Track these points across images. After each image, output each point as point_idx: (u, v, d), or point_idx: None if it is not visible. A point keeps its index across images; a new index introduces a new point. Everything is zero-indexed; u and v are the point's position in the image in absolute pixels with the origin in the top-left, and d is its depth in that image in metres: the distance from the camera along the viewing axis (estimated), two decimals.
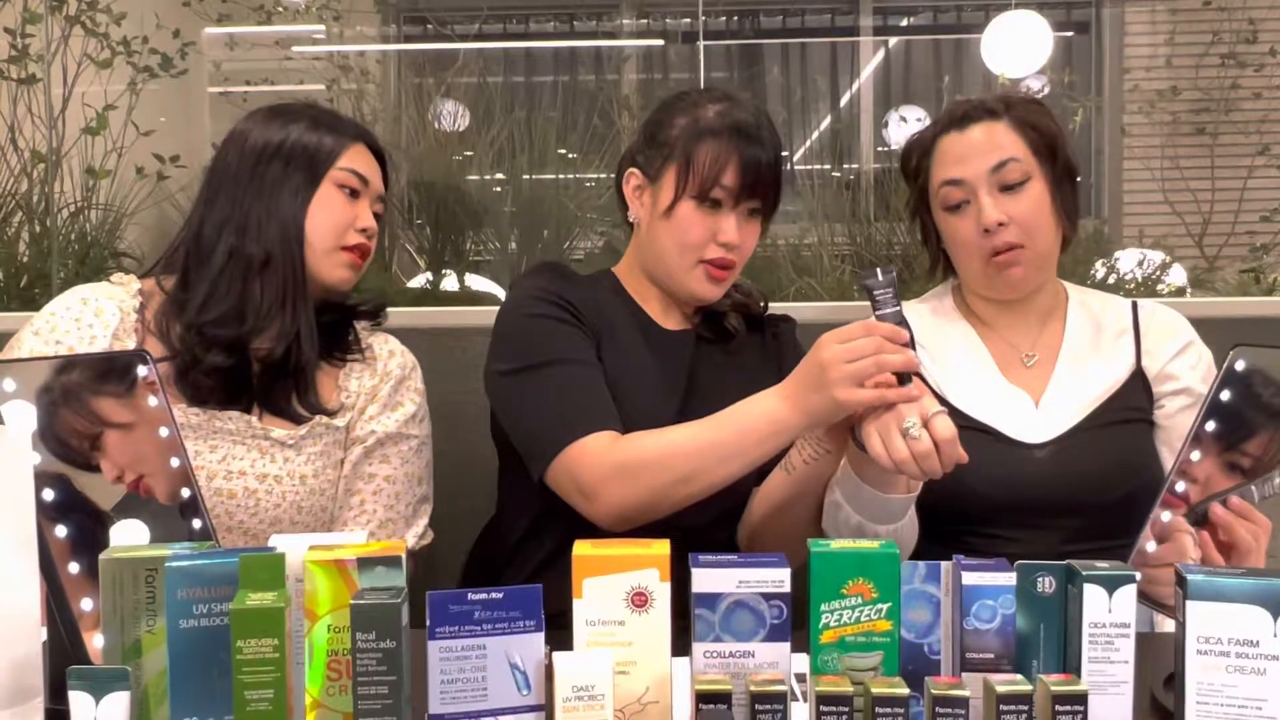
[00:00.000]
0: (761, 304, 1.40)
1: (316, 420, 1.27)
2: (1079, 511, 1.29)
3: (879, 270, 1.08)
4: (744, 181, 1.23)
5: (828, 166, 3.94)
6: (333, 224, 1.28)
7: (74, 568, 0.97)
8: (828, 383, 1.07)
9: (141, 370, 1.03)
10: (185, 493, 1.04)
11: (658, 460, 1.14)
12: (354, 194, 1.31)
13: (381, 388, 1.33)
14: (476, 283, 2.87)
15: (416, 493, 1.34)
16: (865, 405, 1.07)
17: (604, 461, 1.15)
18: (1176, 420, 1.34)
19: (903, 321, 1.09)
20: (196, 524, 1.04)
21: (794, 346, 1.36)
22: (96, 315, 1.26)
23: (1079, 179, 1.39)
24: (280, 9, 3.69)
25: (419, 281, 2.75)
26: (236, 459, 1.23)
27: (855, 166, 4.12)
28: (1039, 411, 1.33)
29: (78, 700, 0.83)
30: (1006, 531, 1.30)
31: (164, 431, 1.04)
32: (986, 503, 1.29)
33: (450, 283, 2.77)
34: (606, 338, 1.28)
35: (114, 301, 1.27)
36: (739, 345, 1.33)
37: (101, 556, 0.90)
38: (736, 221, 1.25)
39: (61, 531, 0.98)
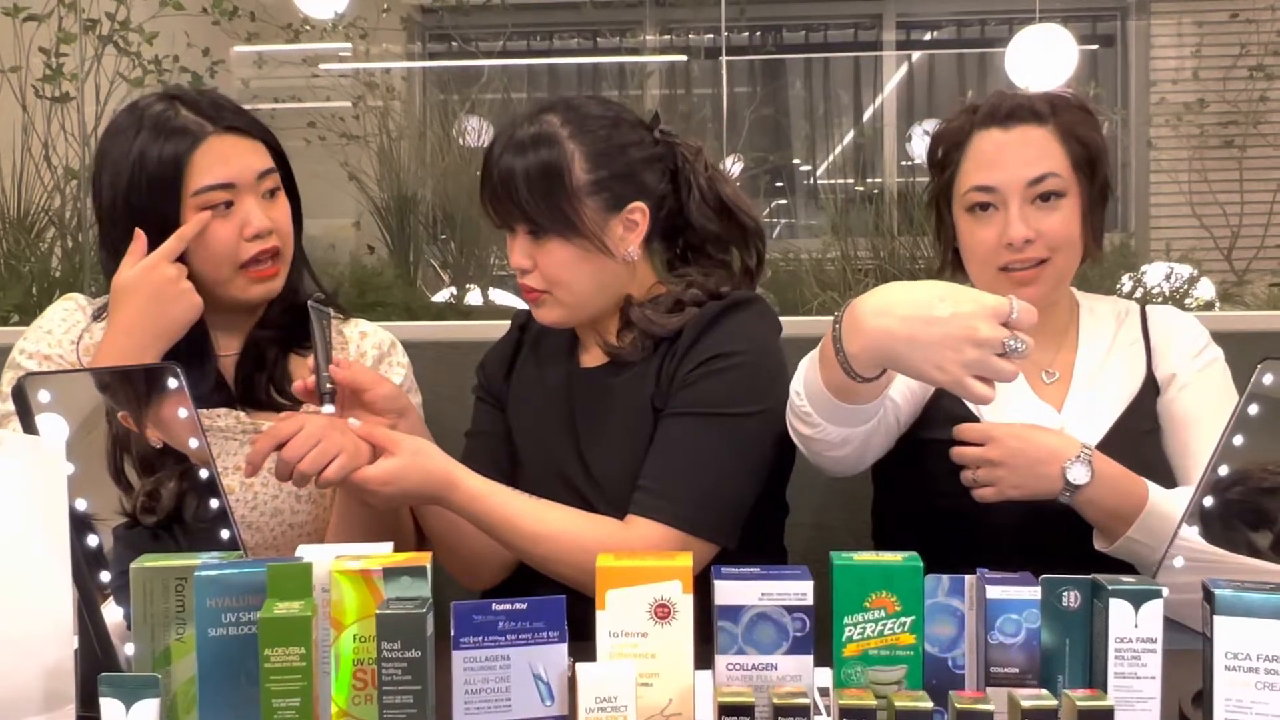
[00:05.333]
0: (680, 316, 1.27)
1: (305, 408, 1.28)
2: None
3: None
4: (488, 208, 1.25)
5: (851, 180, 3.93)
6: (214, 255, 1.22)
7: (104, 576, 0.99)
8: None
9: (171, 383, 1.05)
10: (214, 504, 1.06)
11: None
12: (227, 204, 1.23)
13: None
14: (500, 297, 2.91)
15: None
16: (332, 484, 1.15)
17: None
18: (1172, 408, 1.31)
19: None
20: (225, 534, 1.05)
21: (683, 356, 1.25)
22: (79, 310, 1.31)
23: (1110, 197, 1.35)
24: (308, 27, 3.75)
25: (443, 296, 2.79)
26: (230, 454, 1.25)
27: (879, 181, 4.10)
28: (1063, 428, 1.31)
29: (108, 707, 0.84)
30: (1025, 556, 1.27)
31: (194, 443, 1.06)
32: (1012, 520, 1.27)
33: (474, 297, 2.80)
34: (516, 391, 1.36)
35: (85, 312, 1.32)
36: (639, 370, 1.28)
37: (132, 565, 0.91)
38: (516, 245, 1.25)
39: (94, 540, 1.00)
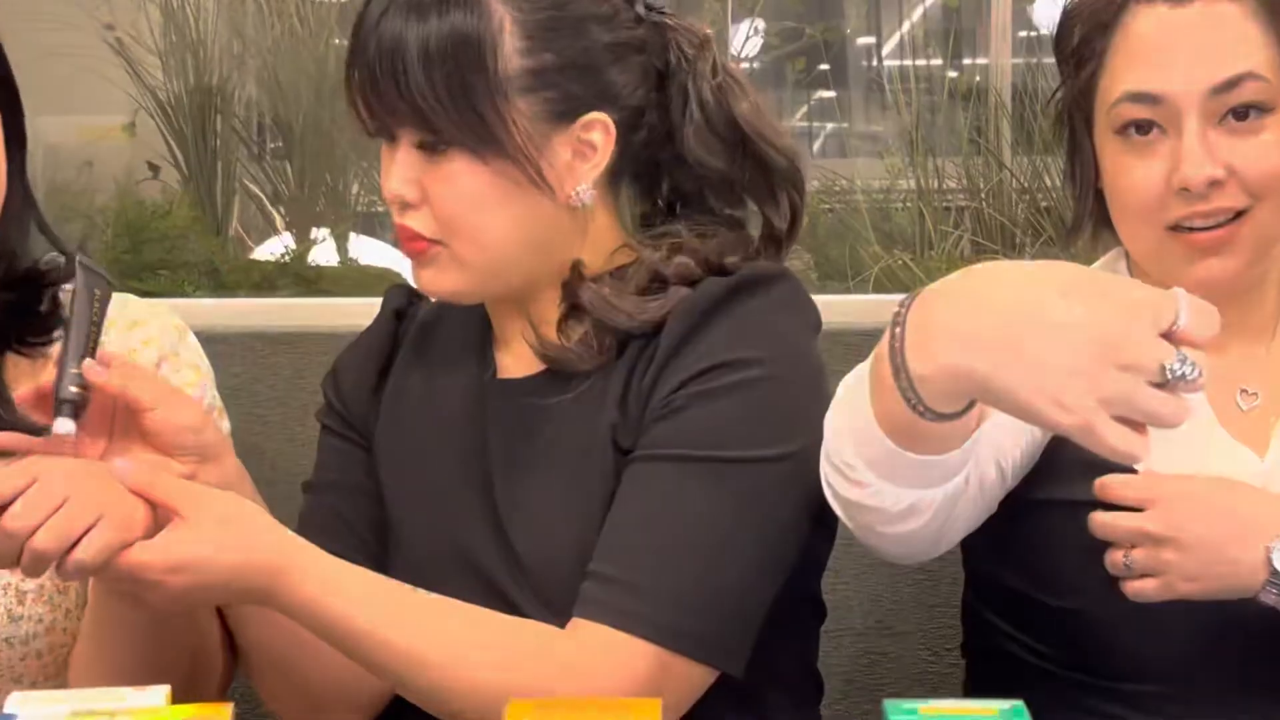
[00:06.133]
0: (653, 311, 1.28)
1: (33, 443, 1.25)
2: None
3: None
4: (358, 99, 1.26)
5: (936, 63, 3.93)
6: None
7: None
8: None
9: None
10: None
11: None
12: None
13: None
14: (367, 249, 2.93)
15: None
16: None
17: None
18: None
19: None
20: None
21: (666, 365, 1.25)
22: None
23: None
24: None
25: (273, 249, 2.82)
26: None
27: (981, 63, 4.11)
28: (1269, 482, 1.31)
29: None
30: (1213, 691, 1.28)
31: None
32: (1185, 632, 1.27)
33: (326, 252, 2.82)
34: (390, 419, 1.37)
35: None
36: (594, 386, 1.30)
37: None
38: (396, 162, 1.26)
39: None
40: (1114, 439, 0.94)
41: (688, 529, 1.21)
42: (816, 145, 4.42)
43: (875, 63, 4.62)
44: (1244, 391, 1.36)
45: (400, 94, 1.22)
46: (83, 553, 1.08)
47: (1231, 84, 1.28)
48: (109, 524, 1.09)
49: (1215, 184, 1.27)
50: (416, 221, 1.25)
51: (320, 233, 2.83)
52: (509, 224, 1.25)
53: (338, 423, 1.40)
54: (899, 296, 1.08)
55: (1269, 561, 1.17)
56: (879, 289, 2.44)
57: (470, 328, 1.36)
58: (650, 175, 1.35)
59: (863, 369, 1.12)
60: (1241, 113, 1.29)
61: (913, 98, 3.02)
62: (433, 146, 1.23)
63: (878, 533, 1.19)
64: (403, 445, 1.36)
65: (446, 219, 1.24)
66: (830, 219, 2.73)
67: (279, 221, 2.88)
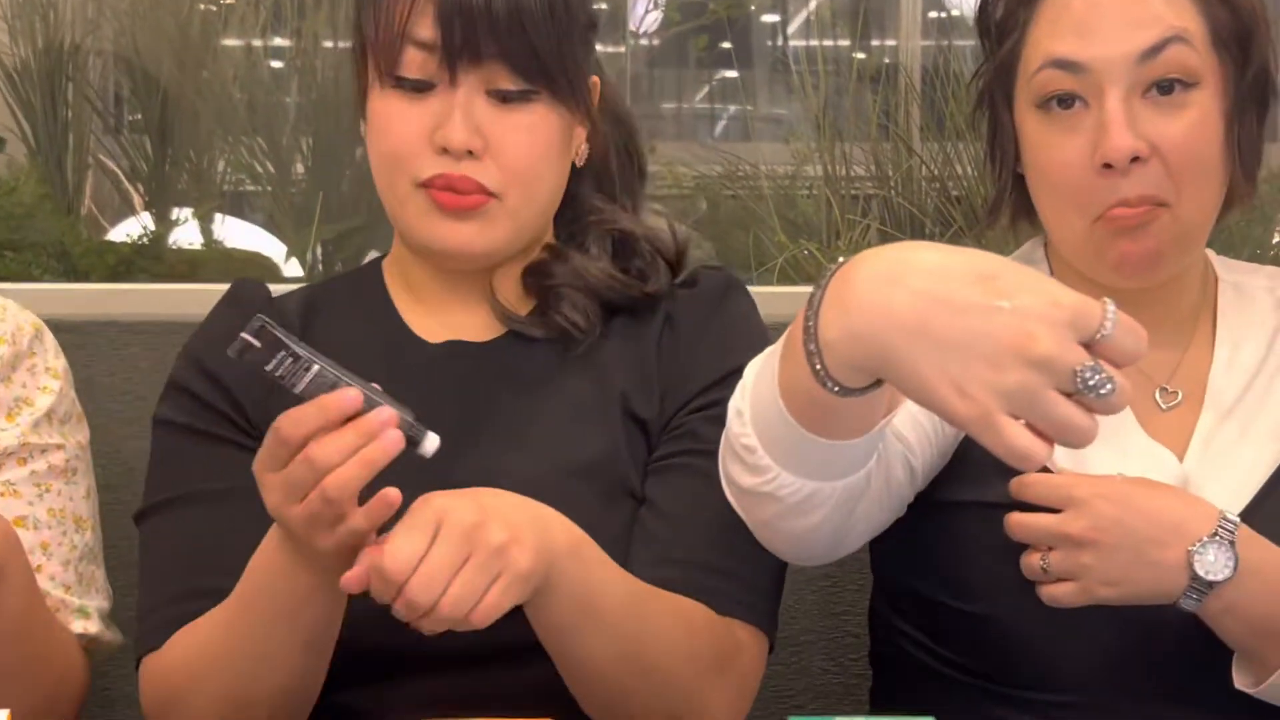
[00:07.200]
0: (664, 271, 1.40)
1: None
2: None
3: (246, 332, 1.08)
4: (448, 36, 1.24)
5: (844, 44, 3.95)
6: None
7: None
8: (297, 534, 1.12)
9: None
10: None
11: (200, 673, 1.24)
12: None
13: None
14: (234, 232, 2.90)
15: (76, 544, 1.36)
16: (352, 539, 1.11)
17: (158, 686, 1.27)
18: None
19: (331, 380, 1.07)
20: None
21: (694, 349, 1.36)
22: None
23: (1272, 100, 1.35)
24: None
25: (130, 231, 2.75)
26: None
27: (891, 44, 4.13)
28: (1189, 484, 1.31)
29: None
30: (1129, 701, 1.27)
31: None
32: (1101, 639, 1.27)
33: (188, 233, 2.77)
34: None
35: None
36: (597, 346, 1.36)
37: None
38: (465, 108, 1.25)
39: None
40: (1012, 436, 0.93)
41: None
42: (719, 128, 4.50)
43: (780, 42, 4.63)
44: (1164, 390, 1.37)
45: (512, 36, 1.24)
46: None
47: (1157, 49, 1.27)
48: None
49: (1137, 160, 1.27)
50: (481, 173, 1.25)
51: (183, 213, 2.80)
52: (558, 177, 1.33)
53: (221, 425, 1.33)
54: (805, 289, 1.10)
55: (1190, 566, 1.18)
56: (784, 280, 2.46)
57: (364, 301, 1.37)
58: None
59: (773, 351, 1.12)
60: (1166, 86, 1.28)
61: (820, 79, 3.01)
62: (509, 95, 1.26)
63: (774, 528, 1.20)
64: None
65: (516, 169, 1.27)
66: (733, 206, 2.76)
67: (137, 200, 2.85)
